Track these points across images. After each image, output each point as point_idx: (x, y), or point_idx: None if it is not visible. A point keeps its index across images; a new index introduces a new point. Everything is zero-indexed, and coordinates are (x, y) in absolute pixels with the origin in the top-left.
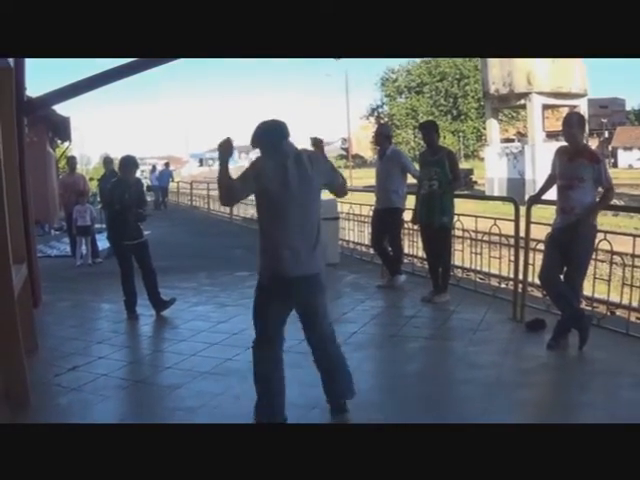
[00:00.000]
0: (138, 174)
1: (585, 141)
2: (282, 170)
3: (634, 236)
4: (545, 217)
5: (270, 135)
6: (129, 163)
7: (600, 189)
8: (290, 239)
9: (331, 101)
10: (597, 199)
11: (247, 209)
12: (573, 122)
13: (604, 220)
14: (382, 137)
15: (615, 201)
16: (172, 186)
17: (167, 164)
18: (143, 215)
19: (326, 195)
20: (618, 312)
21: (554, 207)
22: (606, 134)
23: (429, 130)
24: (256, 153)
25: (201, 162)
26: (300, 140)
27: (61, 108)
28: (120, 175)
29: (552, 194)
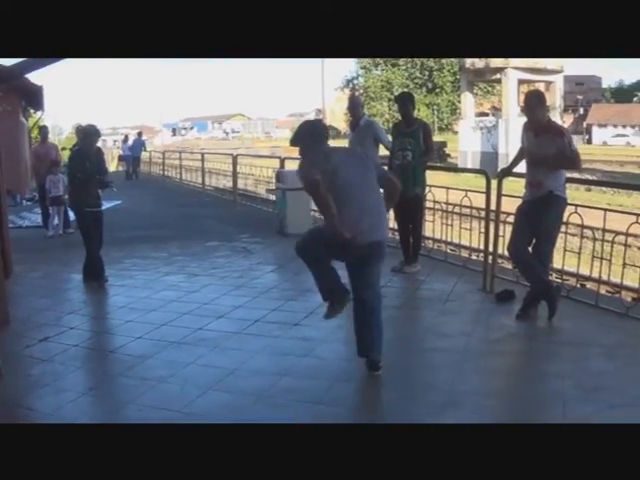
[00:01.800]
0: (111, 144)
1: (561, 117)
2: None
3: (605, 210)
4: (516, 190)
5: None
6: (90, 132)
7: None
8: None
9: (306, 72)
10: (567, 173)
11: (219, 179)
12: (532, 102)
13: (576, 195)
14: (355, 108)
15: (588, 177)
16: (144, 156)
17: (140, 133)
18: (105, 182)
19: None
20: (588, 285)
21: (525, 180)
22: (581, 111)
23: (405, 102)
24: (229, 124)
25: (174, 132)
26: (276, 110)
27: (35, 77)
28: (81, 144)
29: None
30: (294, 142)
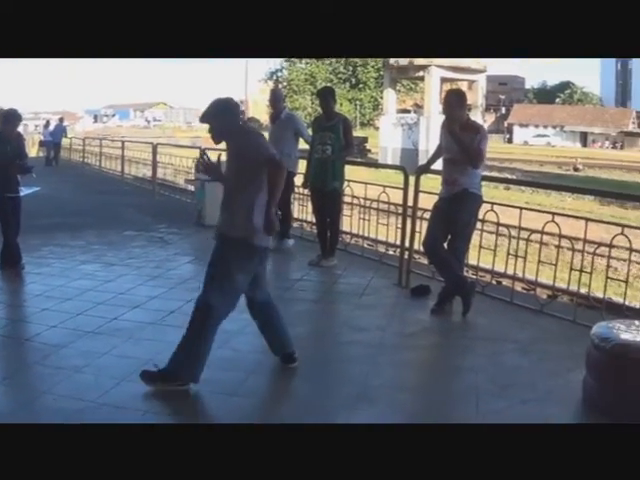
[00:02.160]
0: (32, 128)
1: (482, 116)
2: None
3: (521, 209)
4: (434, 187)
5: None
6: (11, 116)
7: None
8: None
9: (230, 63)
10: (483, 172)
11: (138, 167)
12: (452, 100)
13: (495, 193)
14: (276, 101)
15: (507, 176)
16: (65, 142)
17: (61, 119)
18: (26, 167)
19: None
20: (504, 282)
21: (441, 177)
22: (503, 110)
23: (326, 96)
24: (151, 112)
25: (95, 118)
26: (199, 100)
27: None
28: (1, 128)
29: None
30: (213, 119)
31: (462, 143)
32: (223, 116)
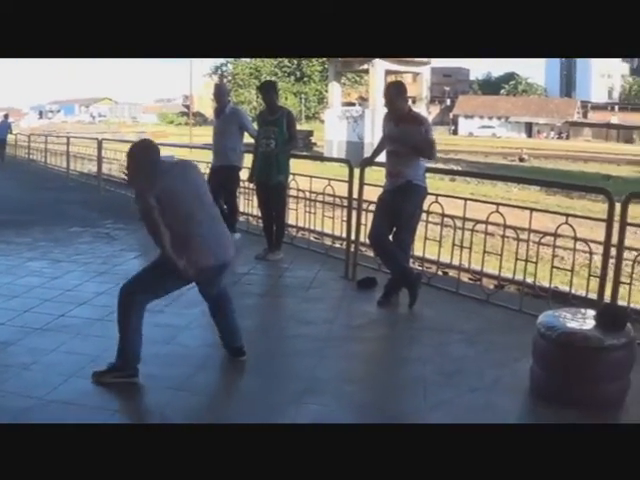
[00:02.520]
0: None
1: (427, 108)
2: None
3: (465, 200)
4: (379, 179)
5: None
6: None
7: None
8: None
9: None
10: (427, 163)
11: (84, 163)
12: (391, 92)
13: (441, 185)
14: (221, 95)
15: (453, 167)
16: (10, 139)
17: (6, 116)
18: None
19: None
20: (450, 273)
21: (385, 170)
22: (448, 102)
23: (268, 90)
24: (97, 107)
25: (41, 114)
26: (144, 95)
27: None
28: None
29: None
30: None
31: (418, 145)
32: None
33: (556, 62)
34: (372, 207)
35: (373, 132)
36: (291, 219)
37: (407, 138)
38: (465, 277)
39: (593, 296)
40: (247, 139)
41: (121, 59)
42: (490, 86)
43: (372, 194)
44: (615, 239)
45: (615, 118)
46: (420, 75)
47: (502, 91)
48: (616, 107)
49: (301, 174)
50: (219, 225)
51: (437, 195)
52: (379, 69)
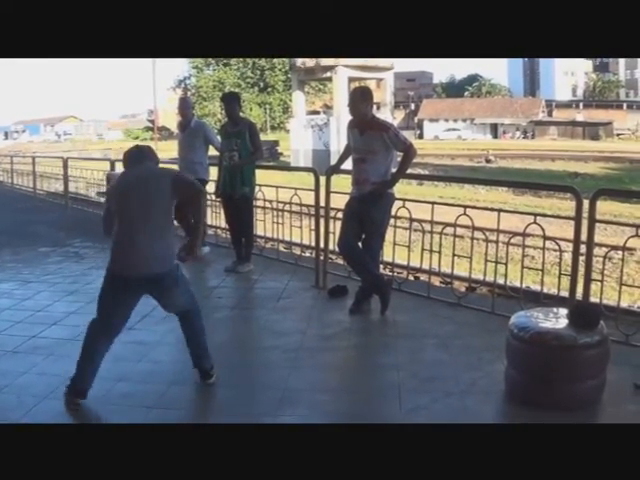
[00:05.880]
0: None
1: (391, 113)
2: None
3: (433, 203)
4: (346, 186)
5: None
6: None
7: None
8: None
9: (137, 71)
10: (394, 169)
11: (50, 183)
12: (357, 98)
13: (409, 189)
14: (185, 109)
15: (420, 171)
16: None
17: None
18: None
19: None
20: (422, 277)
21: (351, 177)
22: (412, 106)
23: (230, 102)
24: (62, 126)
25: (6, 135)
26: (109, 111)
27: None
28: None
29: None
30: None
31: (396, 146)
32: None
33: (519, 62)
34: (340, 215)
35: (339, 140)
36: (259, 230)
37: (372, 146)
38: (436, 281)
39: (565, 294)
40: (212, 152)
41: (84, 75)
42: (454, 89)
43: (339, 201)
44: (585, 236)
45: (580, 116)
46: (384, 81)
47: (466, 93)
48: (581, 104)
49: (267, 184)
50: (148, 241)
51: (405, 200)
52: (342, 76)
